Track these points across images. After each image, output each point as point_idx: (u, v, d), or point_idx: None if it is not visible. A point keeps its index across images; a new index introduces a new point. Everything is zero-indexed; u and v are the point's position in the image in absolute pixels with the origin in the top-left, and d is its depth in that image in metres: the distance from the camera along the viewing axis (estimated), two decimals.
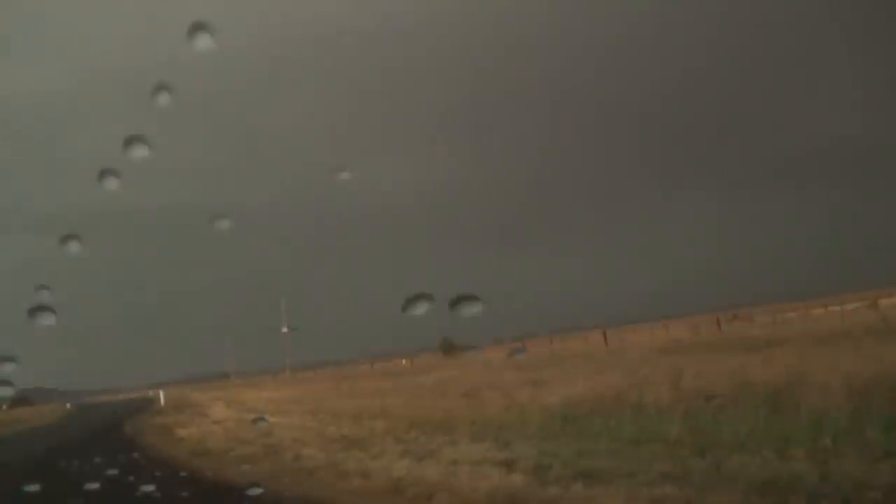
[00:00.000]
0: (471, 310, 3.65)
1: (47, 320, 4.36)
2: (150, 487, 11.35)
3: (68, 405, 77.21)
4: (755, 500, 8.17)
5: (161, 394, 64.58)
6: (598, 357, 36.55)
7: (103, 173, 4.23)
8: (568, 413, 16.57)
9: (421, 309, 3.69)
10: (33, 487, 10.86)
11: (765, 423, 12.03)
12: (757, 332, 39.76)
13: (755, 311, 57.37)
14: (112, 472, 14.95)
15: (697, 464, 10.25)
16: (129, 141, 4.05)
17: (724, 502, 8.36)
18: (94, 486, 12.18)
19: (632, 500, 8.93)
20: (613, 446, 12.69)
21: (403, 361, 74.19)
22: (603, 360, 30.95)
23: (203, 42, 3.87)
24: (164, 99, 4.09)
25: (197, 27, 3.87)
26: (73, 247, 4.49)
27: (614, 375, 20.74)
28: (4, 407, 69.99)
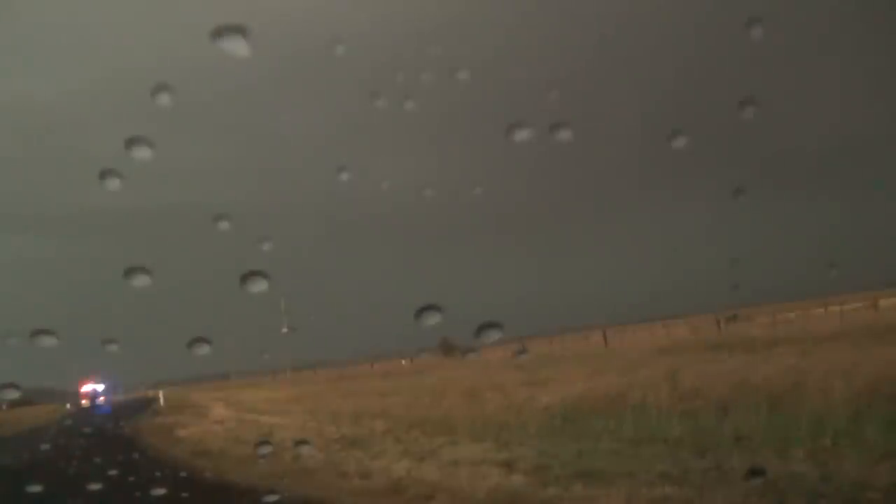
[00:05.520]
0: (491, 336, 3.77)
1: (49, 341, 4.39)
2: (150, 488, 11.34)
3: (68, 405, 77.13)
4: (755, 501, 8.18)
5: (161, 394, 64.49)
6: (598, 357, 36.57)
7: (104, 174, 4.23)
8: (568, 413, 16.58)
9: (431, 320, 3.76)
10: (34, 488, 10.86)
11: (765, 423, 12.04)
12: (757, 332, 39.74)
13: (755, 311, 57.25)
14: (112, 472, 14.95)
15: (697, 464, 10.25)
16: (131, 142, 4.05)
17: (724, 502, 8.36)
18: (95, 486, 12.17)
19: (632, 500, 8.94)
20: (613, 446, 12.70)
21: (403, 361, 74.15)
22: (603, 360, 30.97)
23: (204, 43, 3.87)
24: (165, 100, 4.10)
25: (198, 29, 3.88)
26: (75, 246, 4.49)
27: (614, 375, 20.78)
28: (4, 407, 69.86)
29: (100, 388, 77.89)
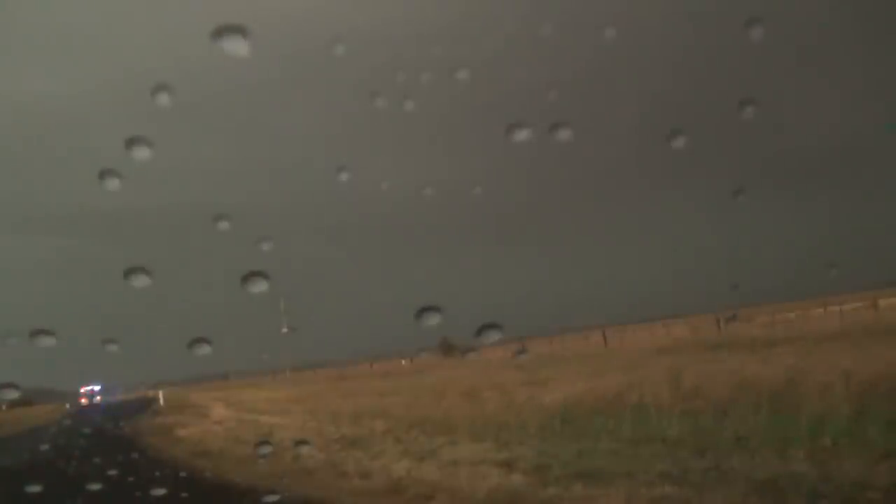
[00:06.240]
0: (491, 336, 3.78)
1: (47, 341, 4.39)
2: (149, 488, 11.33)
3: (68, 405, 77.29)
4: (755, 500, 8.18)
5: (161, 394, 64.46)
6: (598, 357, 36.62)
7: (104, 174, 4.23)
8: (567, 413, 16.57)
9: (431, 320, 3.77)
10: (34, 488, 10.84)
11: (765, 423, 12.04)
12: (757, 332, 39.77)
13: (755, 311, 57.20)
14: (112, 472, 14.94)
15: (697, 464, 10.25)
16: (131, 142, 4.05)
17: (724, 502, 8.37)
18: (95, 486, 12.16)
19: (632, 500, 8.94)
20: (613, 446, 12.70)
21: (403, 361, 74.15)
22: (603, 360, 30.99)
23: (204, 43, 3.87)
24: (164, 100, 4.10)
25: (198, 29, 3.88)
26: (74, 246, 4.51)
27: (614, 375, 20.76)
28: (4, 407, 69.85)
29: (99, 388, 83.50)
